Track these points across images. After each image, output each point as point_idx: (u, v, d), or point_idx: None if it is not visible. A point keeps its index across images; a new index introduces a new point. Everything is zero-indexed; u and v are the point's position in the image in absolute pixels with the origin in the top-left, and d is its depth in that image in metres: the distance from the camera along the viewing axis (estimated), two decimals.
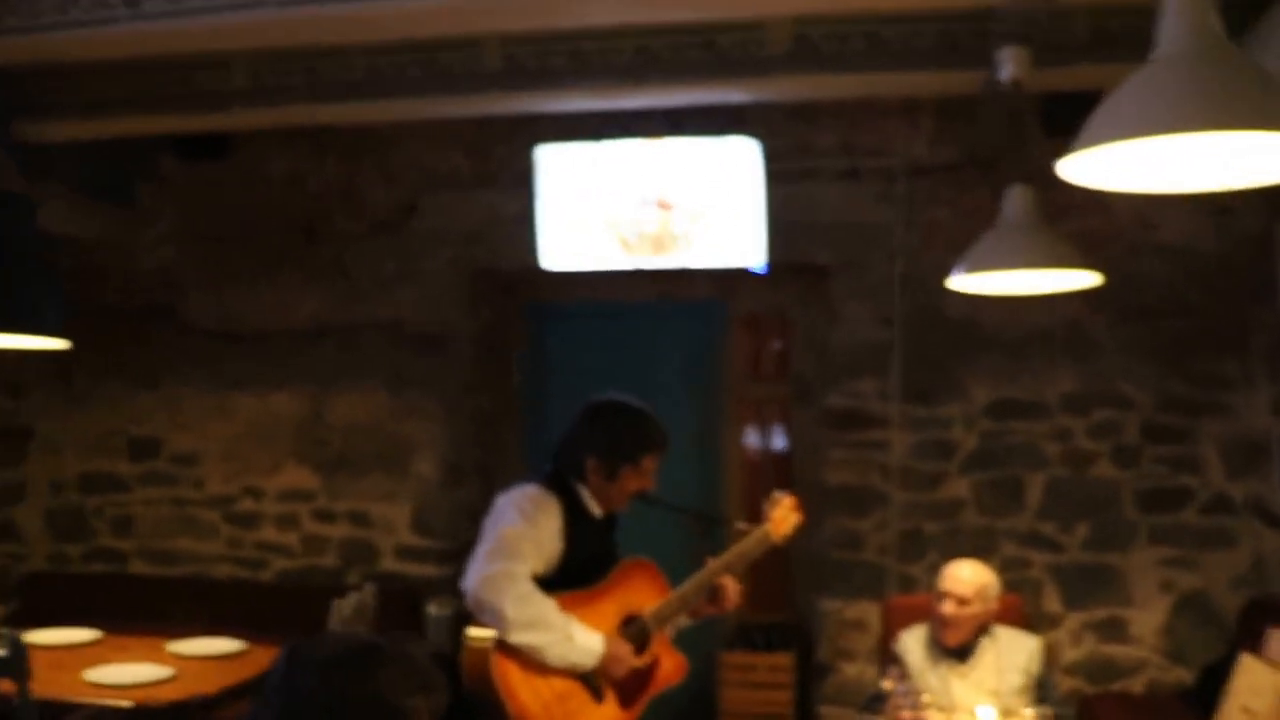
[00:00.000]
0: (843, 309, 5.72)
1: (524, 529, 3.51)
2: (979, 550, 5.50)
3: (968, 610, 4.11)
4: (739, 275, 5.93)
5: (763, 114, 5.58)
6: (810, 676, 5.72)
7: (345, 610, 4.57)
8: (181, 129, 5.49)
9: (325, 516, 6.13)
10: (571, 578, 3.59)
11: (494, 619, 3.40)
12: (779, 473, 6.12)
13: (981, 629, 4.16)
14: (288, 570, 6.15)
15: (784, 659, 5.67)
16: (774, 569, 6.04)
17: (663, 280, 6.10)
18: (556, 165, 5.63)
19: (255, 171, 6.26)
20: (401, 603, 5.60)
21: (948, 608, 4.11)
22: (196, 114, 5.02)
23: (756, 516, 3.97)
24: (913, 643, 4.27)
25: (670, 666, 3.81)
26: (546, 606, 3.46)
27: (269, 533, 6.23)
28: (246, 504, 6.26)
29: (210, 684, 4.25)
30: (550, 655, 3.45)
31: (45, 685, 3.98)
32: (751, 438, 6.29)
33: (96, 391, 6.45)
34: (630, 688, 3.66)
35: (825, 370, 5.83)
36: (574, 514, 3.63)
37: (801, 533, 5.66)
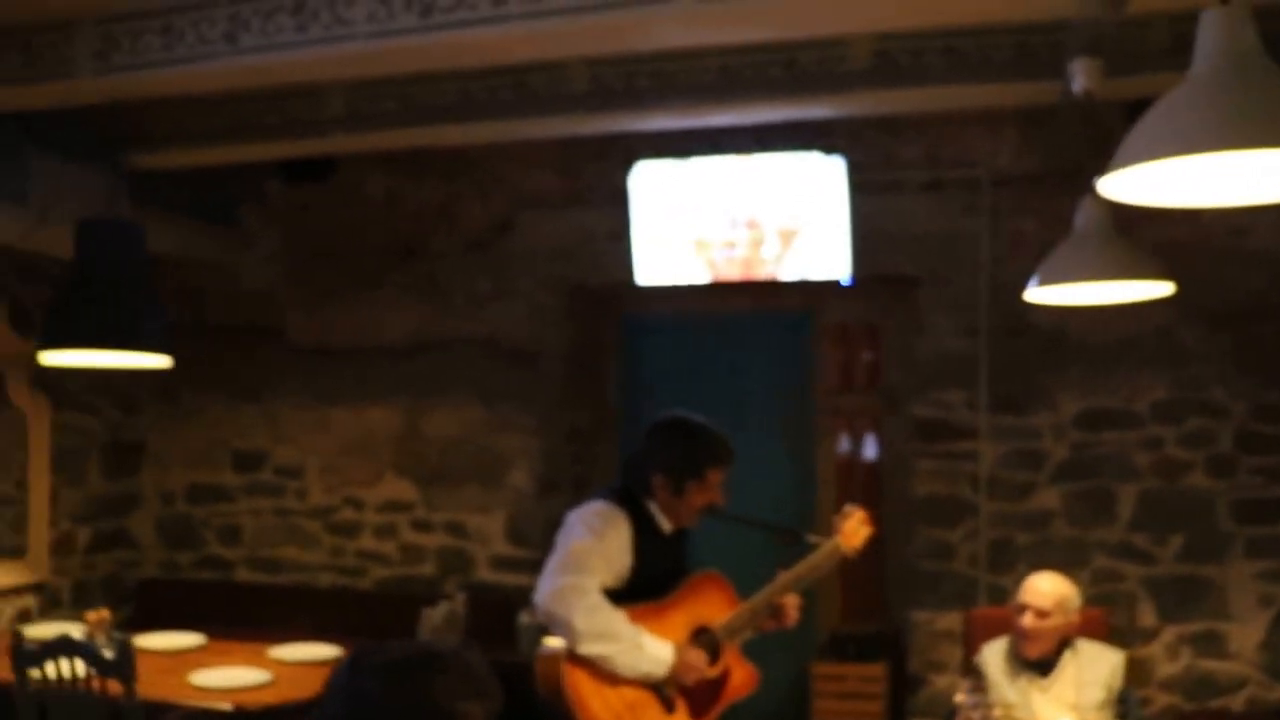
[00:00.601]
0: (929, 320, 5.74)
1: (592, 544, 3.59)
2: (1070, 562, 5.48)
3: (1048, 622, 4.09)
4: (827, 287, 5.97)
5: (847, 128, 5.62)
6: (901, 688, 5.73)
7: (436, 619, 4.68)
8: (280, 155, 5.68)
9: (423, 526, 6.29)
10: (642, 591, 3.67)
11: (564, 631, 3.50)
12: (869, 484, 6.14)
13: (1063, 642, 4.15)
14: (386, 578, 6.31)
15: (875, 670, 5.68)
16: (866, 579, 6.06)
17: (752, 293, 6.15)
18: (647, 182, 5.72)
19: (355, 192, 6.44)
20: (494, 612, 5.72)
21: (1028, 620, 4.11)
22: (294, 140, 5.20)
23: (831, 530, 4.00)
24: (994, 655, 4.27)
25: (741, 678, 3.86)
26: (615, 618, 3.54)
27: (368, 542, 6.40)
28: (347, 514, 6.44)
29: (306, 689, 4.40)
30: (620, 664, 3.53)
31: (151, 687, 4.17)
32: (842, 449, 6.31)
33: (203, 406, 6.68)
34: (702, 698, 3.73)
35: (913, 381, 5.85)
36: (643, 529, 3.71)
37: (892, 542, 5.73)
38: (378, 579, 6.31)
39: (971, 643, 4.54)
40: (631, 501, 3.76)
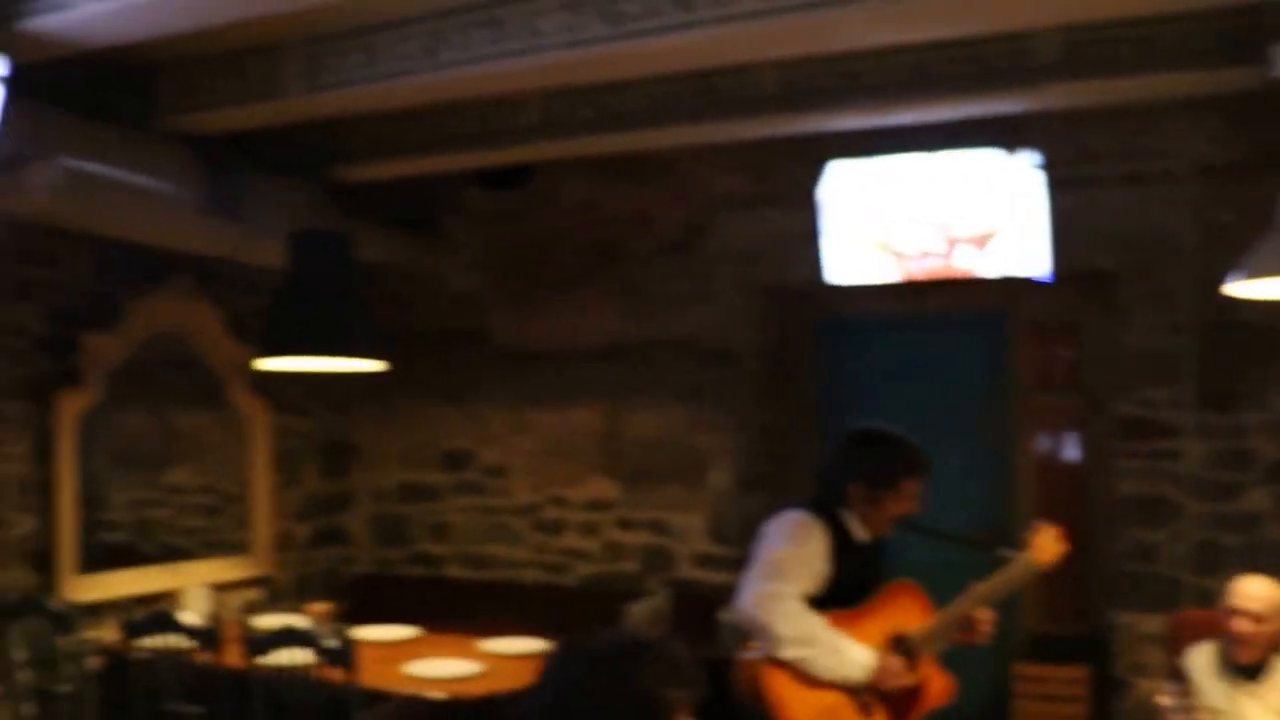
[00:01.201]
0: (1131, 316, 5.61)
1: (791, 552, 3.65)
2: None
3: (1264, 628, 4.00)
4: (1024, 285, 5.89)
5: (1041, 122, 5.53)
6: (1105, 691, 5.62)
7: (640, 614, 4.79)
8: (479, 164, 5.85)
9: (625, 525, 6.42)
10: (839, 599, 3.69)
11: (766, 637, 3.55)
12: (1069, 484, 6.03)
13: (1275, 647, 4.04)
14: (590, 575, 6.46)
15: (1078, 672, 5.58)
16: (1069, 580, 5.95)
17: (947, 292, 6.10)
18: (838, 182, 5.72)
19: (553, 198, 6.61)
20: (695, 608, 5.79)
21: (1243, 625, 4.00)
22: (492, 149, 5.37)
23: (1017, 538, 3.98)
24: (1200, 659, 4.17)
25: (939, 687, 3.86)
26: (816, 623, 3.58)
27: (573, 539, 6.57)
28: (551, 512, 6.62)
29: (516, 680, 4.49)
30: (820, 668, 3.57)
31: (369, 675, 4.37)
32: (1041, 448, 6.20)
33: (412, 409, 6.95)
34: (899, 705, 3.73)
35: (1115, 379, 5.73)
36: (839, 538, 3.73)
37: (1095, 544, 5.60)
38: (582, 575, 6.47)
39: (1176, 646, 4.45)
40: (827, 511, 3.79)
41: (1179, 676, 4.08)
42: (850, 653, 3.61)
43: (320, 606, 5.14)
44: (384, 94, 4.37)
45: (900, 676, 3.69)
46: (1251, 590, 4.05)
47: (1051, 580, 5.91)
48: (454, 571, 6.82)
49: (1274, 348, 5.39)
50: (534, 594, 6.38)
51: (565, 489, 6.60)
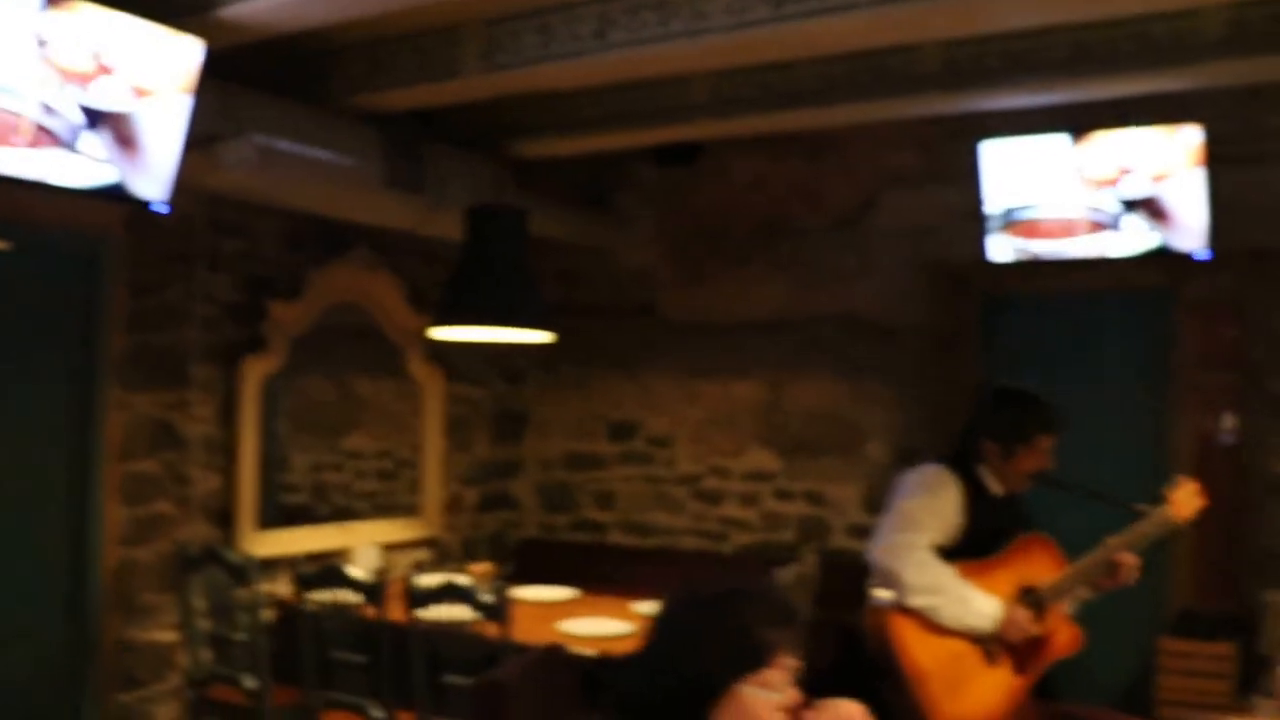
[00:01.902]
0: None
1: (924, 501, 3.79)
2: None
3: None
4: (1187, 262, 5.77)
5: (1208, 99, 5.41)
6: (1251, 668, 5.51)
7: (786, 578, 4.87)
8: (650, 141, 5.98)
9: (784, 495, 6.49)
10: (972, 551, 3.79)
11: (894, 584, 3.69)
12: (1228, 462, 5.90)
13: None
14: (747, 544, 6.54)
15: (1225, 648, 5.49)
16: (1221, 558, 5.86)
17: (1110, 271, 6.02)
18: (1000, 159, 5.68)
19: (723, 175, 6.69)
20: (846, 576, 5.81)
21: None
22: (663, 127, 5.50)
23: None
24: None
25: (1066, 638, 3.89)
26: (944, 573, 3.69)
27: (732, 509, 6.67)
28: (712, 482, 6.72)
29: None
30: (946, 617, 3.67)
31: (524, 632, 4.54)
32: (1201, 427, 6.08)
33: (580, 379, 7.11)
34: (1025, 655, 3.79)
35: (1276, 357, 5.61)
36: (974, 492, 3.85)
37: (1249, 523, 5.50)
38: (739, 544, 6.56)
39: None
40: (963, 465, 3.91)
41: None
42: (977, 603, 3.70)
43: (482, 566, 5.33)
44: (557, 73, 4.53)
45: (1026, 628, 3.74)
46: None
47: (1203, 557, 5.86)
48: (615, 538, 6.98)
49: None
50: (692, 560, 6.48)
51: (726, 459, 6.69)
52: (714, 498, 6.72)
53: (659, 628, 2.20)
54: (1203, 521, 5.79)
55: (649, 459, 6.92)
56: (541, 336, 5.12)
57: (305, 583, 4.71)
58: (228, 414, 5.42)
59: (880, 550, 3.79)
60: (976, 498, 3.86)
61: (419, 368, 6.38)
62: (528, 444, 7.27)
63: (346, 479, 6.23)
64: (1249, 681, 5.48)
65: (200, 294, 5.33)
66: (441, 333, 5.11)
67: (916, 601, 3.68)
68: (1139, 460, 5.95)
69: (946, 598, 3.68)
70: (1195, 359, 6.03)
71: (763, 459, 6.59)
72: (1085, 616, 5.59)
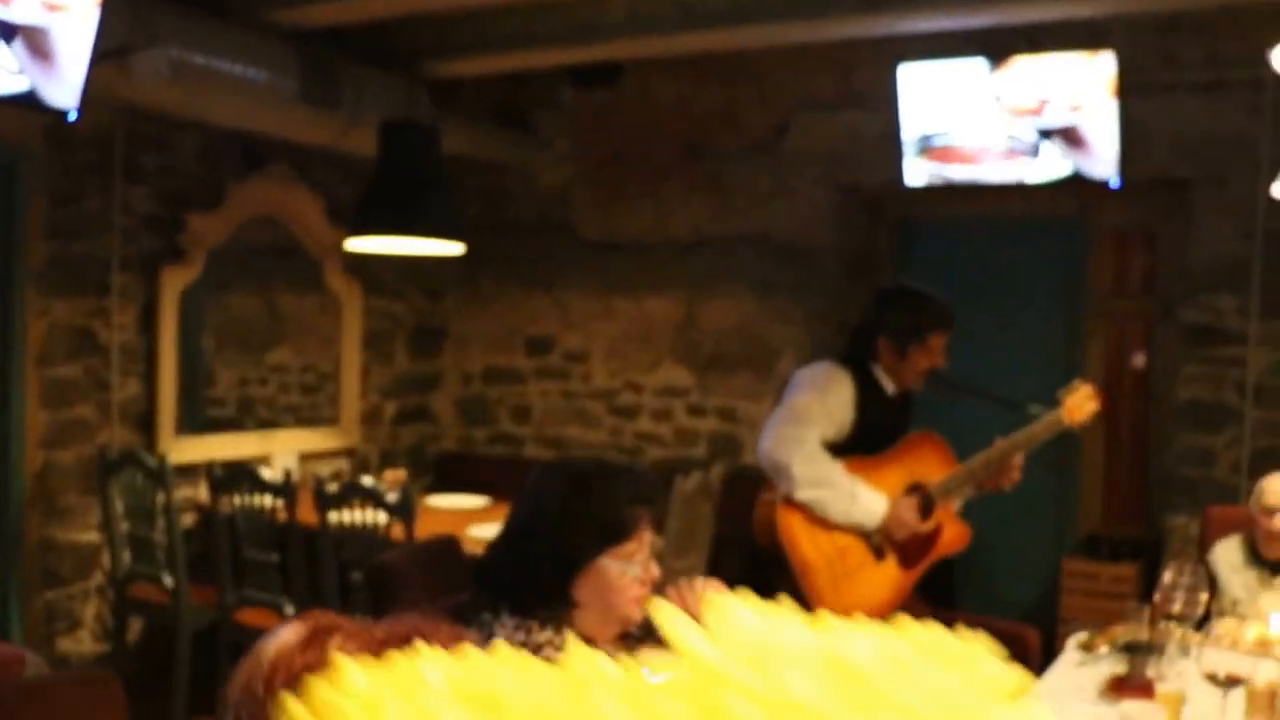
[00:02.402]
0: (1202, 223, 5.66)
1: (814, 398, 3.81)
2: None
3: None
4: (1101, 190, 5.93)
5: (1124, 27, 5.52)
6: (1153, 589, 5.74)
7: (687, 487, 4.98)
8: (566, 61, 6.02)
9: (697, 411, 6.65)
10: (864, 447, 3.85)
11: (783, 477, 3.72)
12: (1138, 389, 6.11)
13: None
14: (661, 459, 6.69)
15: (1128, 570, 5.72)
16: (1130, 484, 6.09)
17: (1026, 197, 6.17)
18: (916, 84, 5.78)
19: (642, 97, 6.77)
20: (754, 490, 6.01)
21: (1273, 523, 4.10)
22: (579, 46, 5.54)
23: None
24: (1226, 552, 4.29)
25: (953, 535, 4.00)
26: (832, 467, 3.74)
27: (646, 424, 6.84)
28: (627, 397, 6.89)
29: None
30: (833, 512, 3.74)
31: (432, 534, 4.66)
32: (1112, 354, 6.26)
33: (499, 295, 7.22)
34: (912, 551, 3.89)
35: (1184, 285, 5.79)
36: (866, 389, 3.89)
37: (1156, 448, 5.69)
38: (653, 459, 6.71)
39: (1206, 541, 4.56)
40: (857, 363, 3.95)
41: (1187, 560, 4.16)
42: (864, 498, 3.76)
43: (396, 474, 5.47)
44: None
45: (912, 524, 3.83)
46: None
47: (1112, 482, 6.08)
48: (532, 452, 7.11)
49: None
50: None
51: (641, 375, 6.85)
52: (629, 413, 6.88)
53: (524, 503, 2.31)
54: (1112, 447, 6.07)
55: (566, 374, 7.06)
56: (452, 248, 5.22)
57: (217, 485, 4.85)
58: (148, 322, 5.51)
59: (769, 443, 3.79)
60: (869, 395, 3.90)
61: (337, 281, 6.47)
62: (447, 358, 7.38)
63: (271, 393, 6.34)
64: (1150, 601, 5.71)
65: (119, 205, 5.39)
66: (356, 244, 5.20)
67: (804, 495, 3.71)
68: (1052, 385, 6.14)
69: (834, 492, 3.73)
70: (1107, 287, 6.20)
71: (677, 375, 6.75)
72: (996, 538, 5.83)
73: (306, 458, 6.11)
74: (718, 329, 6.62)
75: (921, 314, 3.94)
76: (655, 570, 2.29)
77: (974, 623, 3.16)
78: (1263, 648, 3.36)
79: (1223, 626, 3.66)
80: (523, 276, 7.14)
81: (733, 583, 4.84)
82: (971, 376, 4.24)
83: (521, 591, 2.22)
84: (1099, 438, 6.11)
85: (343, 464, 6.48)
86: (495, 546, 2.36)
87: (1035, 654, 3.79)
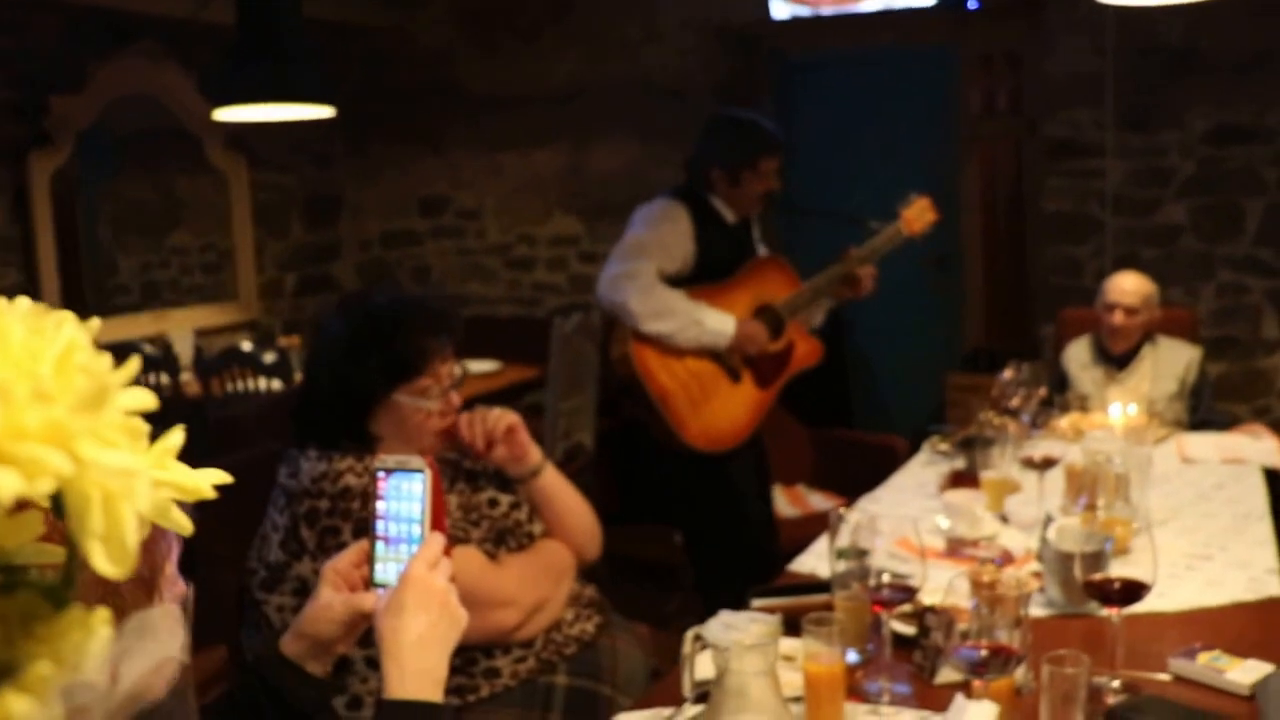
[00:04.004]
0: (1056, 41, 5.81)
1: (647, 234, 3.93)
2: (1195, 275, 5.63)
3: (1136, 320, 4.33)
4: (967, 15, 6.03)
5: None
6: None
7: (566, 328, 5.10)
8: None
9: (588, 258, 6.78)
10: (708, 276, 3.97)
11: (624, 314, 3.84)
12: (1010, 206, 6.27)
13: (1145, 337, 4.39)
14: (558, 307, 6.82)
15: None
16: (1007, 298, 6.30)
17: (898, 26, 6.27)
18: None
19: None
20: None
21: (1118, 318, 4.32)
22: None
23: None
24: (1077, 352, 4.53)
25: (805, 350, 4.17)
26: (671, 297, 3.85)
27: (542, 275, 7.00)
28: (522, 250, 7.03)
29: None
30: (681, 340, 3.87)
31: None
32: (985, 174, 6.39)
33: (389, 160, 7.28)
34: (767, 370, 4.06)
35: (1043, 102, 5.95)
36: (705, 220, 4.00)
37: (1032, 261, 5.87)
38: (551, 307, 6.85)
39: (1061, 342, 4.79)
40: (693, 196, 4.04)
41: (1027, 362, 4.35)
42: (710, 321, 3.88)
43: (290, 340, 5.59)
44: None
45: (762, 342, 3.98)
46: (1125, 285, 4.36)
47: (992, 298, 6.30)
48: None
49: (1192, 68, 5.59)
50: (506, 326, 6.73)
51: (533, 227, 6.98)
52: (525, 265, 7.02)
53: (321, 339, 2.36)
54: (990, 266, 6.26)
55: (460, 232, 7.18)
56: (322, 111, 5.23)
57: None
58: (21, 212, 5.50)
59: (603, 284, 3.90)
60: (708, 226, 3.99)
61: (220, 158, 6.47)
62: (344, 226, 7.44)
63: (174, 275, 6.41)
64: None
65: None
66: (224, 114, 5.21)
67: (649, 327, 3.82)
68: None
69: (678, 320, 3.84)
70: (978, 109, 6.33)
71: (567, 225, 6.88)
72: (887, 360, 6.04)
73: (205, 333, 6.20)
74: (603, 177, 6.73)
75: (749, 140, 4.03)
76: (456, 400, 2.37)
77: (847, 437, 3.41)
78: (1077, 434, 3.59)
79: (1066, 420, 3.82)
80: (410, 139, 7.19)
81: (602, 415, 5.06)
82: (857, 206, 4.36)
83: (322, 428, 2.30)
84: (979, 257, 6.31)
85: (246, 338, 6.58)
86: (300, 387, 2.45)
87: (904, 460, 3.95)
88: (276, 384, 4.64)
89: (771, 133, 4.08)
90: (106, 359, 0.66)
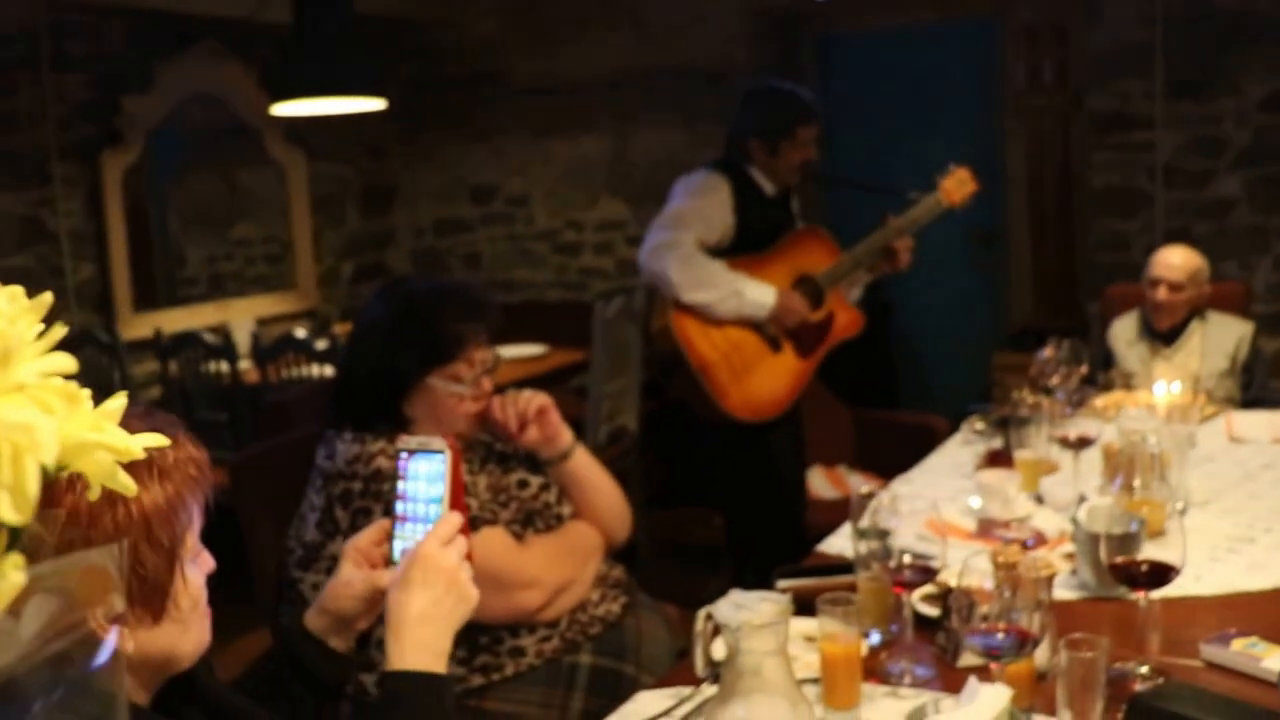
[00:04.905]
0: (1103, 11, 5.76)
1: (688, 204, 3.92)
2: (1251, 249, 5.56)
3: (1181, 295, 4.27)
4: None
5: None
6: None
7: (609, 312, 5.12)
8: None
9: (635, 242, 6.74)
10: (748, 247, 3.98)
11: (664, 284, 3.85)
12: (1057, 182, 6.23)
13: (1194, 312, 4.34)
14: (605, 290, 6.81)
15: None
16: (1058, 274, 6.25)
17: (935, 1, 6.26)
18: None
19: None
20: None
21: (1162, 294, 4.27)
22: None
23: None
24: (1123, 329, 4.49)
25: (846, 320, 4.16)
26: (712, 267, 3.86)
27: (589, 259, 7.06)
28: (569, 235, 7.10)
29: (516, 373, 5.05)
30: (721, 310, 3.87)
31: None
32: (1031, 149, 6.34)
33: (441, 149, 7.37)
34: (807, 339, 4.06)
35: (1091, 74, 5.90)
36: (744, 191, 4.00)
37: (1080, 237, 5.82)
38: (598, 291, 6.87)
39: (1107, 319, 4.73)
40: (733, 167, 4.05)
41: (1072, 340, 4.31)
42: (750, 292, 3.88)
43: (344, 326, 5.67)
44: None
45: (802, 313, 3.98)
46: (1171, 260, 4.31)
47: (1040, 275, 6.26)
48: None
49: (1247, 33, 5.49)
50: (555, 311, 6.77)
51: (580, 212, 7.05)
52: (572, 250, 7.09)
53: (359, 324, 2.44)
54: (1038, 242, 6.22)
55: (510, 219, 7.26)
56: (374, 104, 5.33)
57: (164, 353, 5.09)
58: (95, 207, 5.69)
59: (644, 254, 3.90)
60: (748, 197, 4.00)
61: (279, 151, 6.61)
62: (397, 214, 7.56)
63: (238, 266, 6.58)
64: None
65: (52, 95, 5.53)
66: (282, 109, 5.32)
67: (690, 297, 3.82)
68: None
69: (719, 291, 3.84)
70: (1022, 84, 6.28)
71: (614, 209, 6.94)
72: (934, 340, 6.00)
73: (265, 322, 6.32)
74: (648, 161, 6.76)
75: (786, 109, 4.03)
76: (488, 385, 2.43)
77: (888, 418, 3.43)
78: (1116, 411, 3.55)
79: (1109, 398, 3.78)
80: (461, 129, 7.27)
81: (645, 398, 5.07)
82: (901, 181, 4.34)
83: (358, 411, 2.37)
84: (1025, 234, 6.28)
85: (305, 326, 6.70)
86: (338, 370, 2.52)
87: (944, 439, 3.93)
88: (329, 370, 4.73)
89: (808, 102, 4.07)
90: (30, 326, 0.70)
